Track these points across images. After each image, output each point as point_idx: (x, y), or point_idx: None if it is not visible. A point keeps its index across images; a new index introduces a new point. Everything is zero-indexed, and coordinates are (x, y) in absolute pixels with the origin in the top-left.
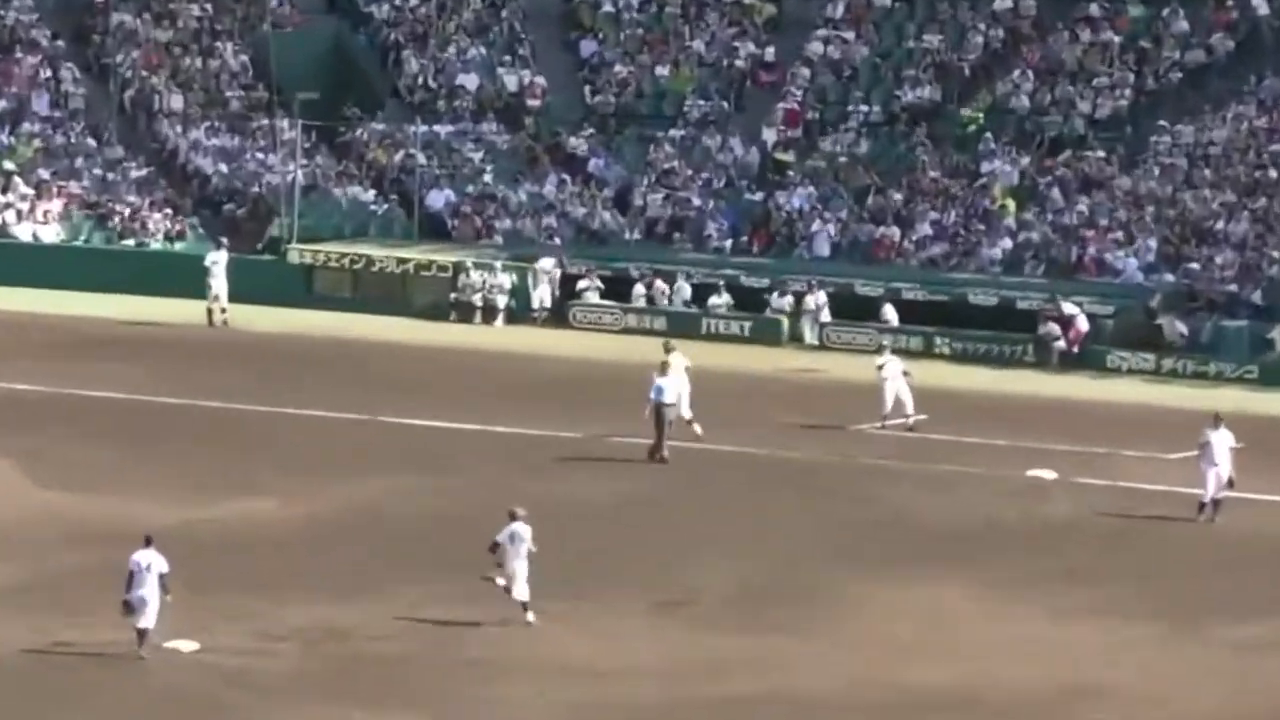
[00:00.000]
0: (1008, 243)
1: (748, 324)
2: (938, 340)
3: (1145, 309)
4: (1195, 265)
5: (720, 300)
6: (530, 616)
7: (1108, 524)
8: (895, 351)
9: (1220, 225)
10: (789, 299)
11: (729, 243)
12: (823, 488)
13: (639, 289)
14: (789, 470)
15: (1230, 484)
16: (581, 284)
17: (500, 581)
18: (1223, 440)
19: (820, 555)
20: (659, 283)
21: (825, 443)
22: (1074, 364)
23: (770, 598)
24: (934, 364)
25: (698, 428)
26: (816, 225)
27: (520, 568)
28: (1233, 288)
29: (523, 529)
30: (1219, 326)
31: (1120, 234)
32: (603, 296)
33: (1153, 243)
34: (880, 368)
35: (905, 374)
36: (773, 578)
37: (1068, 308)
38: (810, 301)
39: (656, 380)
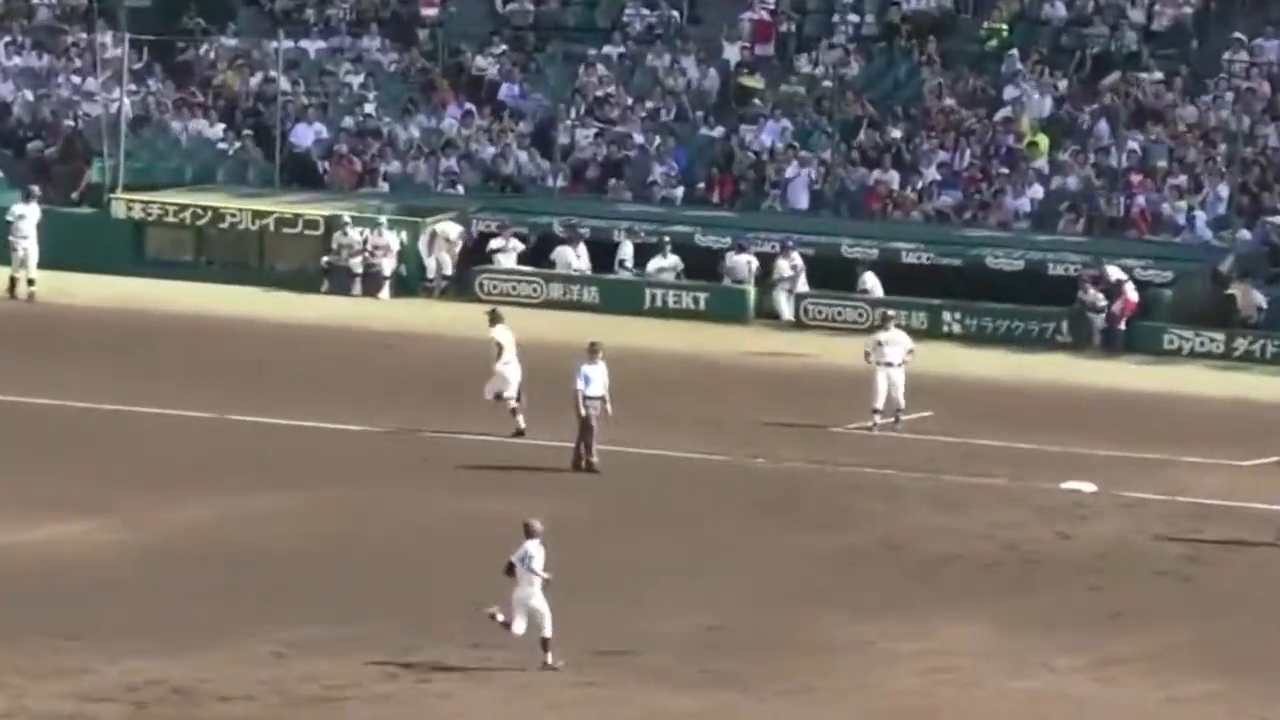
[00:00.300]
0: (1038, 191)
1: (704, 295)
2: (947, 316)
3: (1213, 275)
4: (1278, 219)
5: (666, 263)
6: (550, 659)
7: (1164, 551)
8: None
9: None
10: (747, 260)
11: (680, 191)
12: (801, 505)
13: (565, 251)
14: (757, 483)
15: None
16: (495, 243)
17: (500, 616)
18: None
19: (798, 591)
20: (579, 246)
21: (804, 447)
22: (1121, 345)
23: (735, 645)
24: (942, 345)
25: (521, 421)
26: (792, 169)
27: (529, 596)
28: None
29: (534, 549)
30: None
31: (1183, 179)
32: (522, 260)
33: (1224, 190)
34: (868, 354)
35: (910, 353)
36: (737, 620)
37: (1114, 272)
38: (784, 266)
39: (583, 368)
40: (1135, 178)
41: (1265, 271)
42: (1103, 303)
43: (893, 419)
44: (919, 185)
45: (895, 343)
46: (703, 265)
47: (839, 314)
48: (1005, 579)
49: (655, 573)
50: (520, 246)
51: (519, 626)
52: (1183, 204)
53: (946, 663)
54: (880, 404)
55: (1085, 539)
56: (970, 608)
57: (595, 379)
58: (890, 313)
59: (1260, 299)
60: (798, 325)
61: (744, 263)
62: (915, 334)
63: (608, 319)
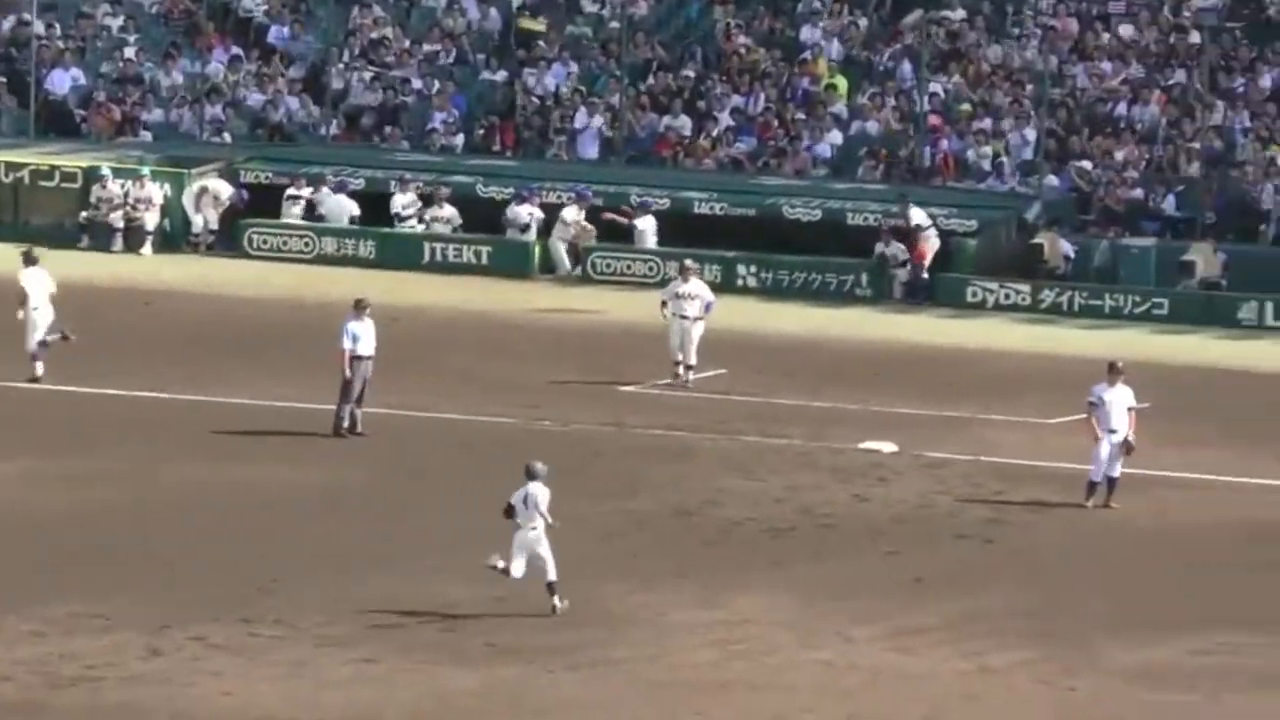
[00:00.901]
0: (837, 137)
1: (486, 249)
2: (742, 269)
3: (1019, 223)
4: (1087, 164)
5: (442, 214)
6: (558, 602)
7: (967, 513)
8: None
9: (1122, 110)
10: (530, 211)
11: (460, 139)
12: (590, 469)
13: (340, 203)
14: (544, 446)
15: (1127, 449)
16: (291, 192)
17: (500, 564)
18: (1121, 399)
19: (587, 560)
20: (325, 190)
21: (592, 408)
22: (923, 298)
23: (521, 617)
24: (737, 300)
25: (39, 367)
26: (580, 116)
27: (533, 540)
28: (1138, 194)
29: (539, 491)
30: (1118, 246)
31: (988, 123)
32: (309, 216)
33: (1031, 134)
34: (664, 304)
35: (708, 308)
36: (522, 592)
37: (917, 215)
38: (569, 218)
39: (349, 325)
40: (939, 122)
41: (1073, 219)
42: (903, 254)
43: (682, 377)
44: (713, 132)
45: (694, 295)
46: (485, 217)
47: (627, 268)
48: (800, 545)
49: (437, 542)
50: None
51: (518, 569)
52: (988, 149)
53: (739, 633)
54: (679, 357)
55: (884, 501)
56: (764, 575)
57: (363, 337)
58: (690, 264)
59: (1068, 248)
60: (584, 280)
61: (526, 214)
62: (709, 288)
63: (384, 274)
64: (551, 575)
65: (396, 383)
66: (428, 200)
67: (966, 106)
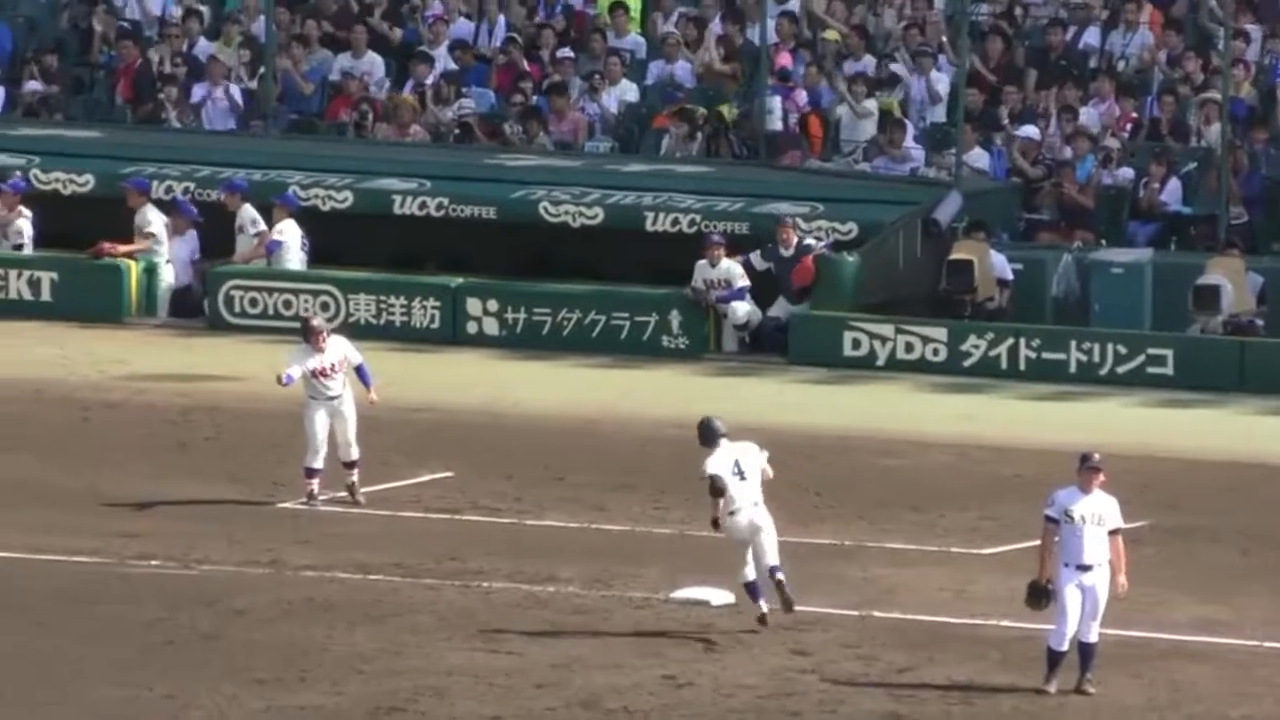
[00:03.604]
0: (628, 89)
1: (50, 277)
2: (474, 305)
3: (926, 227)
4: (1034, 130)
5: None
6: (788, 592)
7: (852, 705)
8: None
9: (1092, 39)
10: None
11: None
12: (230, 638)
13: None
14: (149, 601)
15: (1118, 594)
16: None
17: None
18: (1097, 513)
19: None
20: None
21: (229, 536)
22: (773, 350)
23: None
24: (469, 356)
25: None
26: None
27: (760, 519)
28: (1122, 177)
29: (746, 451)
30: (1091, 264)
31: (870, 64)
32: None
33: (943, 81)
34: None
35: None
36: None
37: (797, 235)
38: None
39: None
40: (788, 61)
41: (1013, 220)
42: (739, 280)
43: (347, 488)
44: (425, 79)
45: (335, 368)
46: (61, 228)
47: (285, 306)
48: None
49: None
50: None
51: (751, 570)
52: (872, 105)
53: None
54: (317, 460)
55: (715, 686)
56: None
57: None
58: (317, 322)
59: (1004, 267)
60: (213, 327)
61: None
62: (393, 332)
63: None
64: (773, 558)
65: None
66: None
67: (834, 34)
